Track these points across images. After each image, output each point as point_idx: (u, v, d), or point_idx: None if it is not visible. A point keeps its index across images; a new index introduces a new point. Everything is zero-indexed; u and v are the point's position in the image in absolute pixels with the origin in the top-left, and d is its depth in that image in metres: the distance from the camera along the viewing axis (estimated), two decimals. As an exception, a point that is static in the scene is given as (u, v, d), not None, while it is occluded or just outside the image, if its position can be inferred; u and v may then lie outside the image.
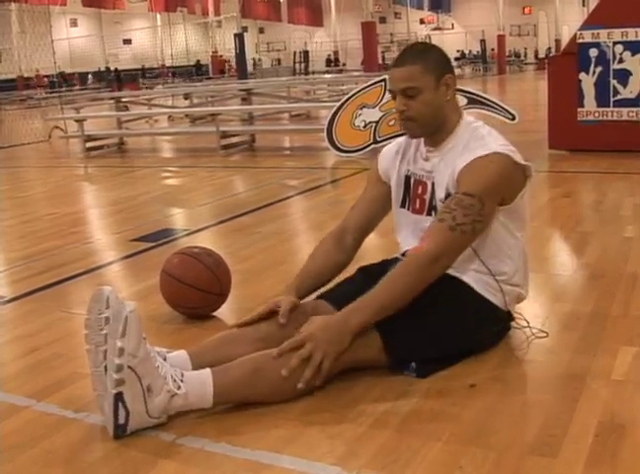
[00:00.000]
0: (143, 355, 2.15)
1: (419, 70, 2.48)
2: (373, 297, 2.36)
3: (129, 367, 2.12)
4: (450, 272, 2.52)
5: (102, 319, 2.14)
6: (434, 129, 2.56)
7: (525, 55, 45.86)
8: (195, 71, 38.66)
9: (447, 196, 2.51)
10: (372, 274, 2.65)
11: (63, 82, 33.99)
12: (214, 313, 3.21)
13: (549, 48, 42.48)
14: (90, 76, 39.05)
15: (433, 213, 2.59)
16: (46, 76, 29.20)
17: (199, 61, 40.26)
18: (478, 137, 2.52)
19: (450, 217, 2.38)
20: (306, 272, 2.73)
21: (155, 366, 2.19)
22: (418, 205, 2.67)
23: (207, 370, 2.27)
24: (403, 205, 2.73)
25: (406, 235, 2.71)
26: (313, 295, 2.72)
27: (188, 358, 2.40)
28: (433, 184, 2.60)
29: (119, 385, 2.12)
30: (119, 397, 2.13)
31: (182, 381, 2.22)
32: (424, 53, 2.53)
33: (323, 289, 2.73)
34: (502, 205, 2.51)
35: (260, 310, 2.55)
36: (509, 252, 2.58)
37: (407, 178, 2.71)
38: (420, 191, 2.66)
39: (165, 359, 2.28)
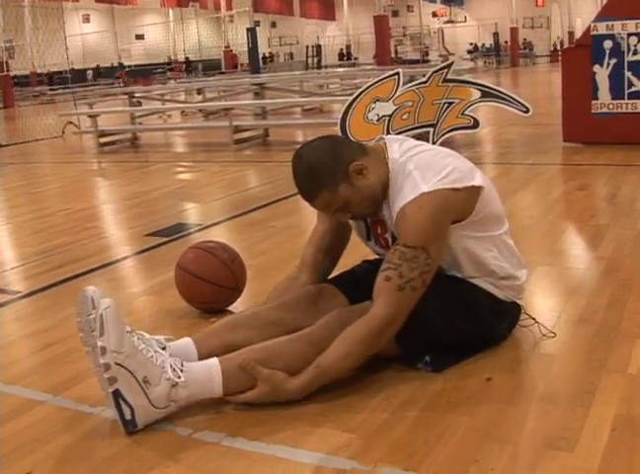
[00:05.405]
0: (130, 350, 2.14)
1: (328, 195, 2.38)
2: (327, 367, 2.27)
3: (117, 364, 2.11)
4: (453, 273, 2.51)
5: (91, 320, 2.14)
6: (381, 200, 2.44)
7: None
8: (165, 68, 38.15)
9: (394, 238, 2.44)
10: (377, 264, 2.63)
11: (98, 77, 33.84)
12: (230, 308, 3.21)
13: (560, 40, 42.25)
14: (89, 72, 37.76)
15: None
16: (57, 72, 29.23)
17: (169, 57, 40.59)
18: (406, 175, 2.36)
19: (397, 275, 2.27)
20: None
21: (148, 357, 2.18)
22: (383, 243, 2.59)
23: (214, 359, 2.27)
24: (369, 239, 2.66)
25: None
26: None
27: (193, 345, 2.39)
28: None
29: (112, 383, 2.12)
30: (117, 394, 2.13)
31: (182, 370, 2.21)
32: (315, 175, 2.38)
33: (330, 275, 2.73)
34: (459, 222, 2.40)
35: None
36: (488, 254, 2.50)
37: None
38: (380, 231, 2.59)
39: (165, 348, 2.27)
